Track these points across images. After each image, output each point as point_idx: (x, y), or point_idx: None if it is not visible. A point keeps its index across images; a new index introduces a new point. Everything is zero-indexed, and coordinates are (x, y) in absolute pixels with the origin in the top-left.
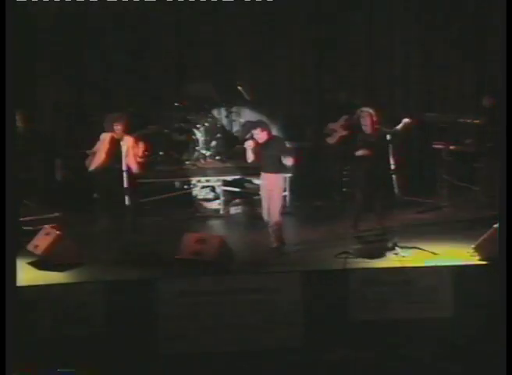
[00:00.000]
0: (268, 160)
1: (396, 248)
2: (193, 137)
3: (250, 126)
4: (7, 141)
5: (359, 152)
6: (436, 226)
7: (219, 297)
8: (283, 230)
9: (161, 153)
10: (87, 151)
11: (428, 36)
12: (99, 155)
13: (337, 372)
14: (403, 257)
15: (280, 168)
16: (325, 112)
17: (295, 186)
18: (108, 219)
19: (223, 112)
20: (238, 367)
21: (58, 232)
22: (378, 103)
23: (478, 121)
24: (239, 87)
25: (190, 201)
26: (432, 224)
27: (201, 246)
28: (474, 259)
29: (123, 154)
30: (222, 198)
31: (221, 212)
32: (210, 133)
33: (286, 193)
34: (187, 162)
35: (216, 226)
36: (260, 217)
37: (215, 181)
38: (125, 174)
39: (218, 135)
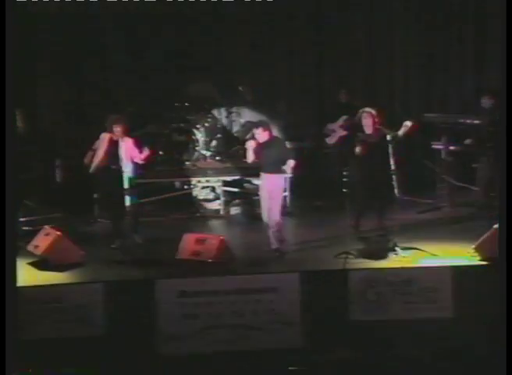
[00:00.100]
0: (268, 160)
1: (396, 248)
2: (193, 137)
3: (251, 125)
4: (7, 141)
5: (357, 149)
6: (436, 226)
7: (219, 297)
8: (284, 231)
9: (161, 153)
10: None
11: (428, 36)
12: (98, 154)
13: (337, 372)
14: (403, 257)
15: (280, 168)
16: (325, 113)
17: (295, 186)
18: (108, 219)
19: (223, 112)
20: (238, 367)
21: (58, 232)
22: (378, 103)
23: (478, 121)
24: (239, 88)
25: (190, 202)
26: (431, 224)
27: (201, 246)
28: (474, 259)
29: (122, 155)
30: (222, 199)
31: (221, 212)
32: (210, 134)
33: (286, 193)
34: (187, 163)
35: (216, 226)
36: (260, 218)
37: (215, 181)
38: (125, 175)
39: (219, 135)
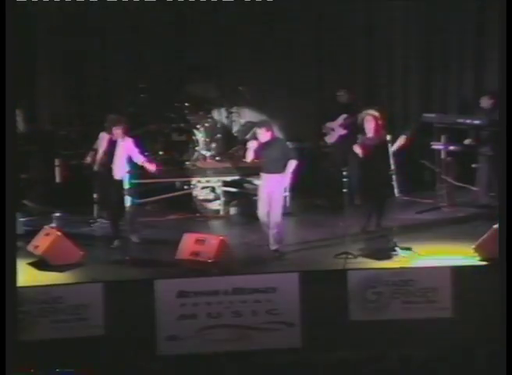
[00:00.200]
0: (269, 161)
1: (396, 248)
2: (193, 137)
3: (252, 125)
4: (7, 141)
5: (358, 152)
6: (436, 226)
7: (219, 297)
8: (283, 231)
9: (161, 153)
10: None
11: (428, 36)
12: (98, 154)
13: (337, 372)
14: (403, 257)
15: (281, 168)
16: (326, 112)
17: (295, 185)
18: (107, 220)
19: (223, 112)
20: (238, 367)
21: (58, 232)
22: (378, 103)
23: (477, 121)
24: (239, 88)
25: (190, 202)
26: (431, 224)
27: (201, 246)
28: (475, 259)
29: (120, 155)
30: (222, 199)
31: (221, 212)
32: (210, 134)
33: (287, 193)
34: (187, 163)
35: (216, 226)
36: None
37: (215, 182)
38: (124, 175)
39: (218, 135)
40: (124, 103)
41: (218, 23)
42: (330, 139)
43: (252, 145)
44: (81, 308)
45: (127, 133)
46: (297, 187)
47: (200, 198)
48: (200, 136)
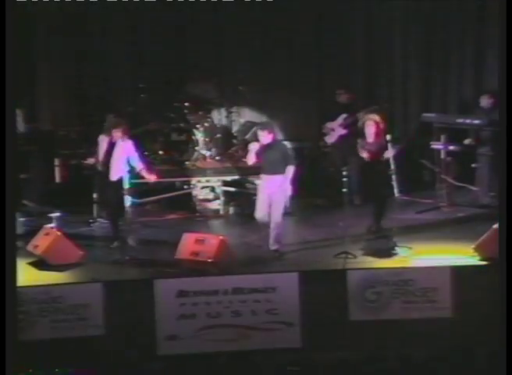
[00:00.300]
0: (270, 163)
1: (396, 248)
2: (193, 137)
3: (252, 125)
4: (7, 141)
5: (363, 154)
6: (436, 226)
7: (218, 297)
8: (284, 232)
9: (160, 153)
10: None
11: (428, 36)
12: (98, 156)
13: (337, 372)
14: (403, 257)
15: (282, 170)
16: (326, 112)
17: (295, 185)
18: (107, 220)
19: (223, 112)
20: (237, 367)
21: (57, 232)
22: (379, 104)
23: (477, 121)
24: (239, 88)
25: (190, 202)
26: (431, 224)
27: (201, 246)
28: (474, 259)
29: (119, 156)
30: (221, 199)
31: (221, 212)
32: (210, 134)
33: (287, 194)
34: (187, 162)
35: (216, 226)
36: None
37: (215, 181)
38: (124, 176)
39: (218, 135)
40: (124, 103)
41: (218, 23)
42: (330, 139)
43: (254, 147)
44: (81, 308)
45: (127, 134)
46: (297, 186)
47: (200, 197)
48: (199, 136)
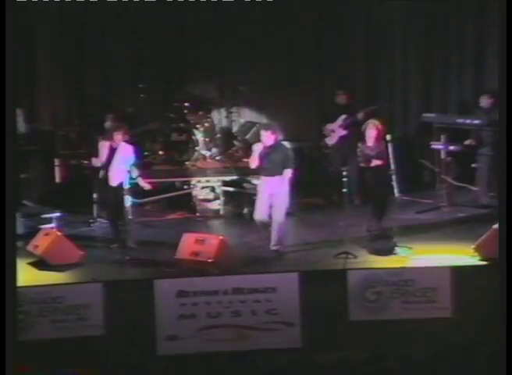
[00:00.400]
0: (271, 164)
1: (396, 248)
2: (193, 137)
3: (253, 125)
4: (7, 141)
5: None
6: (435, 226)
7: (218, 297)
8: (285, 232)
9: (160, 153)
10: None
11: (428, 36)
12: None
13: (337, 372)
14: (403, 257)
15: (282, 171)
16: (326, 113)
17: (295, 186)
18: (107, 220)
19: (223, 112)
20: (237, 367)
21: (57, 232)
22: (378, 103)
23: (477, 121)
24: (239, 88)
25: (190, 202)
26: (431, 224)
27: (201, 246)
28: (474, 259)
29: (119, 158)
30: (221, 199)
31: (221, 212)
32: (210, 134)
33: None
34: (187, 163)
35: (216, 226)
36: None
37: (215, 181)
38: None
39: (218, 135)
40: (124, 103)
41: (218, 23)
42: (331, 141)
43: (257, 148)
44: (81, 308)
45: (127, 137)
46: (297, 187)
47: (200, 197)
48: (199, 136)
